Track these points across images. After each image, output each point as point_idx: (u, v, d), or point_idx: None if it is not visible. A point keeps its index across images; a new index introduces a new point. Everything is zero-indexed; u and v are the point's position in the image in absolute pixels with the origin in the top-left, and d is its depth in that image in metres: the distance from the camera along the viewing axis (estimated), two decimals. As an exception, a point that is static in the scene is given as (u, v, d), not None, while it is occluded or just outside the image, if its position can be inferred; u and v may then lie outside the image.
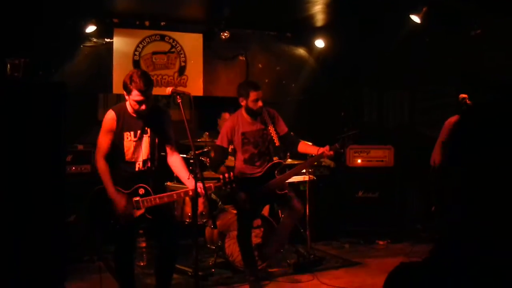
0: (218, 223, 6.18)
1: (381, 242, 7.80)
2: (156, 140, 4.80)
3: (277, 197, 5.64)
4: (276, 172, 5.61)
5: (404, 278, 1.87)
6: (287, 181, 5.76)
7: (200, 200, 6.32)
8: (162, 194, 4.71)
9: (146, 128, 4.75)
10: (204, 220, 6.51)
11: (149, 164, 4.78)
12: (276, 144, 5.64)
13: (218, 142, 5.66)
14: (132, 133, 4.70)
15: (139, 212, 4.64)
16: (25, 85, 5.45)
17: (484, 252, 1.75)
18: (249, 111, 5.59)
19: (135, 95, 4.55)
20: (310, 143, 5.83)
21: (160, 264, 4.91)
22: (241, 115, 5.66)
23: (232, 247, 6.15)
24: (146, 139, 4.74)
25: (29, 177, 5.28)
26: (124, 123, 4.69)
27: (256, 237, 6.28)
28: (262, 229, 6.31)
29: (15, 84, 5.40)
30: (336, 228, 7.95)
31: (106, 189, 4.61)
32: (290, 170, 5.67)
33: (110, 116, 4.70)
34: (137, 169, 4.73)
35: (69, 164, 6.62)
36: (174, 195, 4.72)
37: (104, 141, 4.69)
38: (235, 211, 6.40)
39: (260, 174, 5.61)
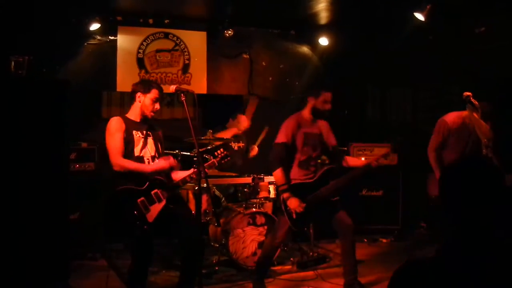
0: (221, 221, 6.19)
1: (384, 240, 7.80)
2: (157, 141, 4.96)
3: (330, 204, 5.41)
4: (329, 178, 5.45)
5: (410, 276, 1.86)
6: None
7: (204, 198, 6.33)
8: (177, 179, 4.83)
9: (149, 132, 4.90)
10: (208, 218, 6.51)
11: (156, 160, 4.86)
12: (329, 149, 5.60)
13: (278, 140, 5.39)
14: (139, 132, 4.83)
15: (161, 205, 4.64)
16: (29, 83, 5.47)
17: (490, 251, 1.76)
18: (315, 111, 5.48)
19: (156, 94, 4.84)
20: (354, 158, 5.73)
21: (188, 258, 4.81)
22: (302, 115, 5.53)
23: (235, 245, 6.16)
24: (150, 140, 4.90)
25: (32, 175, 5.30)
26: (129, 126, 4.80)
27: (259, 235, 6.29)
28: (266, 227, 6.32)
29: (19, 82, 5.42)
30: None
31: (144, 172, 4.69)
32: (344, 175, 5.47)
33: (116, 119, 4.81)
34: (147, 163, 4.80)
35: (72, 162, 6.63)
36: (187, 177, 4.79)
37: (115, 139, 4.69)
38: (239, 209, 6.41)
39: (313, 180, 5.43)
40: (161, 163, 4.76)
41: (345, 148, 7.82)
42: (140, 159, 4.76)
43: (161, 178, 4.73)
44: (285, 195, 5.23)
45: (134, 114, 4.88)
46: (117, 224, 4.60)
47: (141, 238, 4.62)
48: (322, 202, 5.36)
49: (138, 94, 4.83)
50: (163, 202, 4.65)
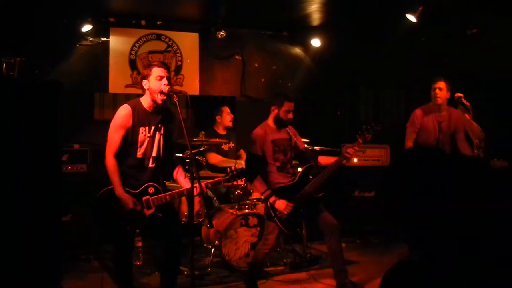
0: (214, 222, 6.19)
1: (376, 241, 7.81)
2: (165, 139, 4.85)
3: (316, 200, 5.50)
4: (310, 176, 5.56)
5: (402, 276, 1.87)
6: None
7: (197, 199, 6.31)
8: (172, 192, 4.74)
9: (159, 125, 4.78)
10: (201, 220, 6.50)
11: (157, 162, 4.80)
12: (299, 152, 5.70)
13: (252, 151, 5.55)
14: (146, 128, 4.72)
15: (149, 211, 4.64)
16: (21, 84, 5.45)
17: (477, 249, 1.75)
18: (278, 120, 5.59)
19: (157, 71, 4.67)
20: (326, 156, 5.75)
21: (166, 263, 4.90)
22: (267, 124, 5.65)
23: (228, 246, 6.16)
24: (158, 137, 4.78)
25: (25, 177, 5.28)
26: (139, 118, 4.69)
27: (252, 236, 6.30)
28: (258, 228, 6.32)
29: (10, 83, 5.40)
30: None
31: (114, 188, 4.58)
32: (322, 172, 5.51)
33: (125, 112, 4.68)
34: (147, 165, 4.74)
35: (65, 164, 6.61)
36: (184, 191, 4.71)
37: (116, 136, 4.65)
38: (232, 210, 6.41)
39: (294, 181, 5.53)
40: (125, 202, 4.55)
41: (338, 149, 7.81)
42: (141, 161, 4.73)
43: (157, 186, 4.72)
44: (271, 199, 5.33)
45: (147, 102, 4.76)
46: (102, 220, 4.71)
47: (123, 240, 4.73)
48: (308, 200, 5.45)
49: (144, 82, 4.71)
50: (152, 210, 4.65)
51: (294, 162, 5.77)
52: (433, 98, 6.34)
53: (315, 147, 6.77)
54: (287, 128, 5.68)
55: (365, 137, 5.36)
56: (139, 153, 4.71)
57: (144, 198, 4.64)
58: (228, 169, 4.91)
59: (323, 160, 5.68)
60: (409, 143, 6.53)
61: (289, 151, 5.63)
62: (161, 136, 4.80)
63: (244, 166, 7.36)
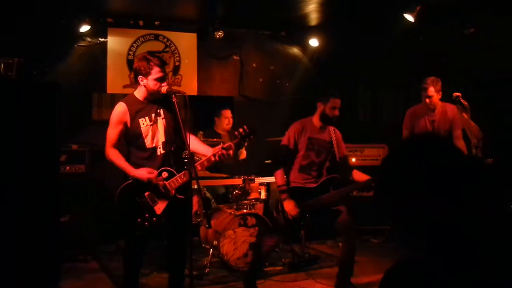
0: (212, 222, 6.18)
1: (375, 241, 7.82)
2: (171, 122, 4.78)
3: (330, 212, 5.42)
4: (331, 187, 5.46)
5: (401, 276, 1.86)
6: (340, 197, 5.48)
7: (195, 199, 6.33)
8: (184, 171, 4.67)
9: (158, 110, 4.73)
10: (199, 220, 6.50)
11: (168, 146, 4.74)
12: (337, 159, 5.60)
13: (282, 142, 5.55)
14: (146, 118, 4.67)
15: (171, 194, 4.61)
16: (19, 85, 5.45)
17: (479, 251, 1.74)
18: (323, 116, 5.54)
19: (157, 72, 4.59)
20: (361, 173, 5.59)
21: (173, 263, 4.90)
22: (311, 121, 5.61)
23: (226, 246, 6.16)
24: (161, 122, 4.72)
25: (23, 177, 5.28)
26: (136, 110, 4.65)
27: (250, 236, 6.29)
28: (257, 228, 6.32)
29: (8, 84, 5.40)
30: (331, 227, 7.94)
31: (126, 173, 4.54)
32: (346, 186, 5.49)
33: (120, 109, 4.64)
34: (159, 153, 4.68)
35: (63, 164, 6.60)
36: (198, 166, 4.65)
37: (113, 132, 4.61)
38: (230, 210, 6.41)
39: (314, 185, 5.47)
40: (142, 173, 4.52)
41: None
42: (153, 150, 4.67)
43: (170, 169, 4.65)
44: (283, 196, 5.32)
45: (141, 94, 4.71)
46: (128, 218, 4.62)
47: (139, 238, 4.66)
48: (321, 209, 5.39)
49: (140, 77, 4.64)
50: (173, 192, 4.62)
51: (327, 165, 5.71)
52: (423, 101, 6.32)
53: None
54: (333, 131, 5.63)
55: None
56: (148, 143, 4.65)
57: (161, 184, 4.60)
58: (236, 132, 4.83)
59: (357, 175, 5.55)
60: None
61: (323, 154, 5.57)
62: (164, 119, 4.73)
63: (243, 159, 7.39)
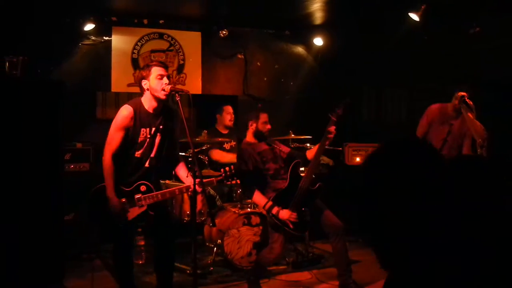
0: (216, 221, 6.18)
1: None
2: (168, 136, 4.83)
3: (314, 193, 5.47)
4: (299, 171, 5.56)
5: (389, 155, 1.73)
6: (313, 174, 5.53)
7: (199, 198, 6.32)
8: (164, 190, 4.77)
9: (160, 127, 4.76)
10: (203, 218, 6.51)
11: (155, 162, 4.79)
12: (287, 156, 5.70)
13: (243, 167, 5.50)
14: (147, 129, 4.71)
15: (141, 210, 4.65)
16: (24, 83, 5.46)
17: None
18: (257, 133, 5.64)
19: (156, 70, 4.62)
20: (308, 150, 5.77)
21: (159, 263, 4.94)
22: (249, 142, 5.69)
23: (230, 245, 6.16)
24: (158, 137, 4.77)
25: (27, 175, 5.29)
26: (141, 119, 4.68)
27: (254, 235, 6.29)
28: (261, 227, 6.32)
29: (13, 82, 5.41)
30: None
31: (106, 188, 4.59)
32: (310, 164, 5.51)
33: (126, 113, 4.65)
34: (146, 165, 4.74)
35: (67, 162, 6.61)
36: (176, 190, 4.76)
37: (117, 136, 4.64)
38: (234, 209, 6.41)
39: (286, 183, 5.48)
40: (112, 204, 4.57)
41: (340, 149, 7.83)
42: (139, 160, 4.73)
43: (149, 184, 4.73)
44: (274, 211, 5.28)
45: (148, 103, 4.73)
46: (96, 216, 4.78)
47: (125, 236, 4.82)
48: (307, 196, 5.40)
49: (143, 82, 4.67)
50: (144, 208, 4.68)
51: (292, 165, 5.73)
52: (453, 105, 6.01)
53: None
54: (266, 141, 5.74)
55: (337, 113, 5.41)
56: (138, 153, 4.71)
57: (136, 196, 4.66)
58: (222, 169, 4.91)
59: (310, 153, 5.62)
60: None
61: (277, 158, 5.68)
62: (162, 136, 4.78)
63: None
